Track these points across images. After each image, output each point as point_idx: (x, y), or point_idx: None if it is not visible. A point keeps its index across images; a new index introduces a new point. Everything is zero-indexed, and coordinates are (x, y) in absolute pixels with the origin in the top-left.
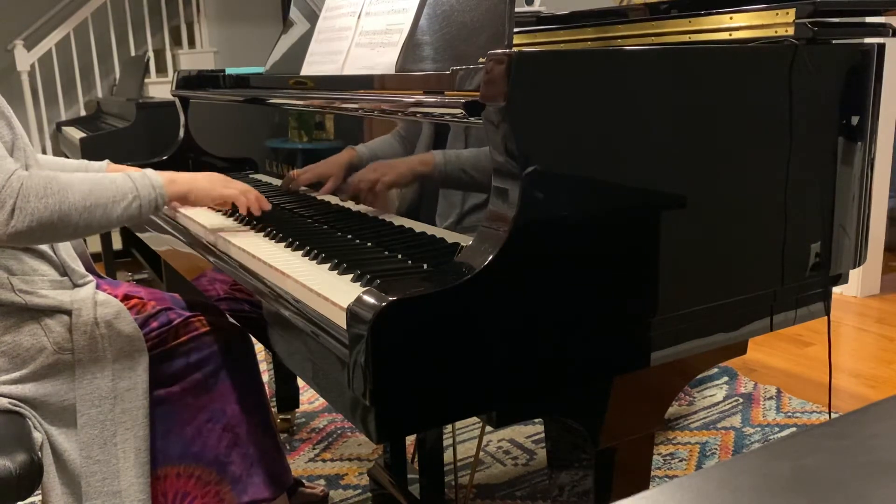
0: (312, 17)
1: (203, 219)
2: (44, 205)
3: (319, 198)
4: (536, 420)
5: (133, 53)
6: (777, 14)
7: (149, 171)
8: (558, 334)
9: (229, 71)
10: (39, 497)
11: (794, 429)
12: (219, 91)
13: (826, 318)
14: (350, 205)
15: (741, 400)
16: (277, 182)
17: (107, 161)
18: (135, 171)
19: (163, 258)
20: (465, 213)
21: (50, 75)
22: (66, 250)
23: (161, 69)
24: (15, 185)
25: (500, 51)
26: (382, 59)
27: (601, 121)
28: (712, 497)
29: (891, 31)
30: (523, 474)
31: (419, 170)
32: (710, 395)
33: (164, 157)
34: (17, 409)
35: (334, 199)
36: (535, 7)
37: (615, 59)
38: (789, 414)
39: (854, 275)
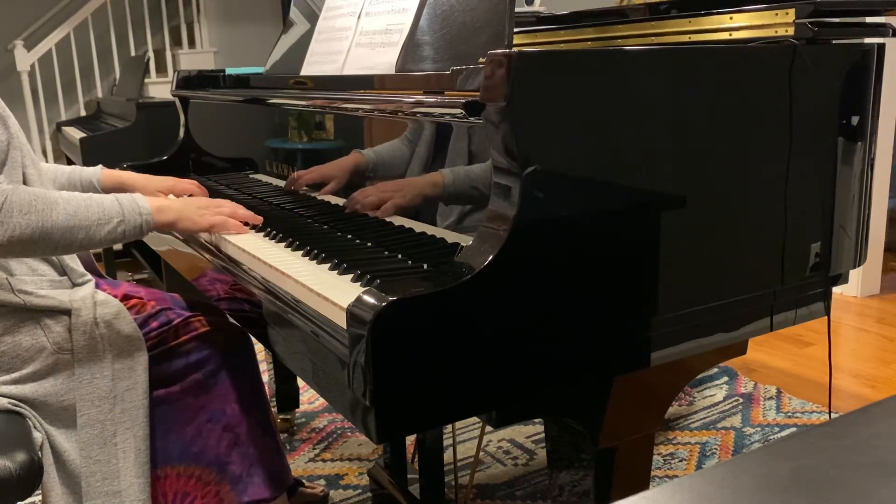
0: (312, 17)
1: None
2: (26, 221)
3: (320, 198)
4: (536, 420)
5: (133, 53)
6: (777, 14)
7: (138, 197)
8: (558, 334)
9: (229, 71)
10: (39, 497)
11: (794, 429)
12: (219, 91)
13: (826, 318)
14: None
15: (741, 400)
16: (277, 182)
17: (100, 167)
18: (125, 196)
19: (163, 258)
20: (466, 213)
21: (50, 75)
22: None
23: (161, 69)
24: None
25: (500, 51)
26: (382, 59)
27: (601, 121)
28: (712, 497)
29: (891, 31)
30: (523, 474)
31: (429, 192)
32: (710, 395)
33: (165, 157)
34: (17, 409)
35: (334, 199)
36: (535, 7)
37: (615, 59)
38: (789, 414)
39: (854, 275)
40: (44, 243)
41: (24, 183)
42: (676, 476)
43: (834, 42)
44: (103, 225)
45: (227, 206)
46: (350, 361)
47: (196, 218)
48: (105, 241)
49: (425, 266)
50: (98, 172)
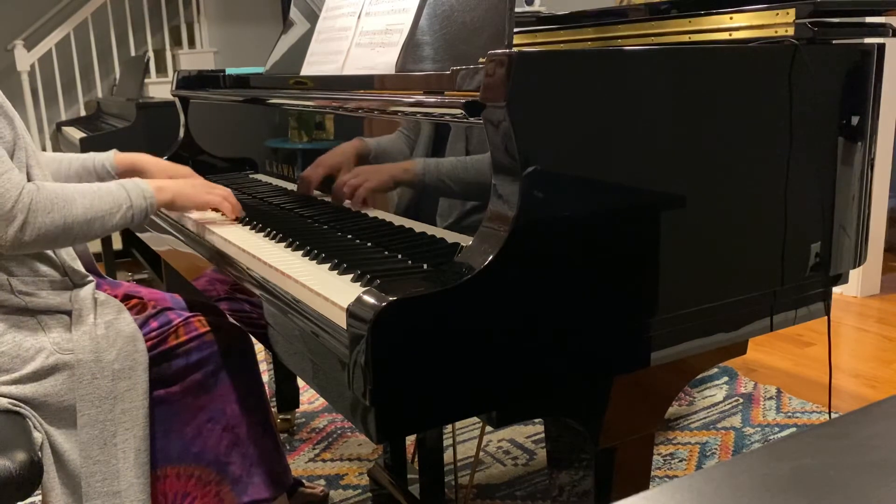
0: (312, 17)
1: (197, 216)
2: (50, 220)
3: (321, 198)
4: (536, 420)
5: (133, 53)
6: (777, 14)
7: (139, 181)
8: (558, 334)
9: (229, 71)
10: (39, 497)
11: (794, 429)
12: (219, 91)
13: (826, 318)
14: (350, 204)
15: (741, 400)
16: (277, 182)
17: (114, 151)
18: (128, 181)
19: (163, 258)
20: (466, 213)
21: (50, 75)
22: (67, 251)
23: (161, 69)
24: (26, 200)
25: (500, 51)
26: (382, 59)
27: (601, 121)
28: (712, 497)
29: (891, 31)
30: (523, 474)
31: (401, 177)
32: (710, 395)
33: (165, 158)
34: (17, 409)
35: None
36: (535, 7)
37: (615, 59)
38: (789, 414)
39: (854, 275)
40: (65, 236)
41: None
42: (676, 476)
43: (834, 42)
44: (115, 213)
45: (220, 188)
46: (350, 361)
47: (191, 194)
48: (117, 227)
49: (425, 266)
50: (111, 157)
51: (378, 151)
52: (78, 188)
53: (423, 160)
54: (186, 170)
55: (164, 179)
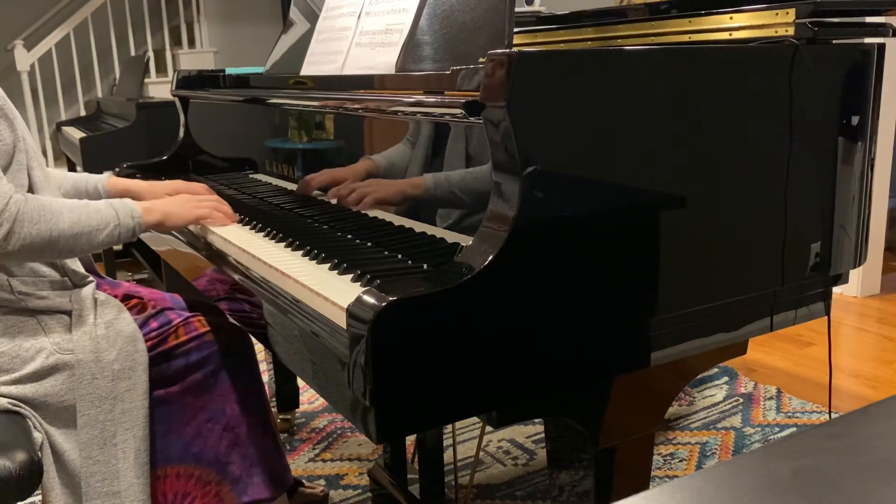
0: (312, 17)
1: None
2: (36, 231)
3: (321, 198)
4: (536, 420)
5: (133, 53)
6: (777, 14)
7: (128, 201)
8: (558, 334)
9: (229, 71)
10: (39, 497)
11: (794, 429)
12: (219, 91)
13: (826, 318)
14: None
15: (741, 400)
16: (277, 182)
17: (108, 174)
18: (117, 200)
19: (163, 258)
20: (466, 213)
21: (50, 75)
22: None
23: (161, 69)
24: (13, 209)
25: (500, 51)
26: (382, 59)
27: (601, 121)
28: (712, 497)
29: (891, 31)
30: (523, 474)
31: (409, 192)
32: (710, 395)
33: (164, 157)
34: (17, 409)
35: (335, 200)
36: (535, 7)
37: (615, 59)
38: (789, 414)
39: (854, 275)
40: (50, 249)
41: (31, 186)
42: (676, 476)
43: (834, 42)
44: (102, 230)
45: (209, 200)
46: (350, 361)
47: (180, 212)
48: (103, 245)
49: (425, 266)
50: (104, 180)
51: (389, 169)
52: (67, 203)
53: (434, 175)
54: (199, 186)
55: (154, 200)
